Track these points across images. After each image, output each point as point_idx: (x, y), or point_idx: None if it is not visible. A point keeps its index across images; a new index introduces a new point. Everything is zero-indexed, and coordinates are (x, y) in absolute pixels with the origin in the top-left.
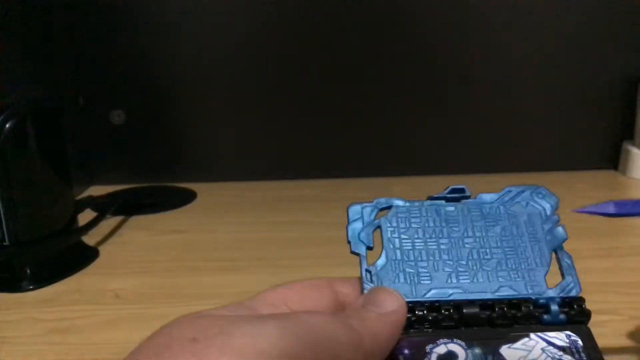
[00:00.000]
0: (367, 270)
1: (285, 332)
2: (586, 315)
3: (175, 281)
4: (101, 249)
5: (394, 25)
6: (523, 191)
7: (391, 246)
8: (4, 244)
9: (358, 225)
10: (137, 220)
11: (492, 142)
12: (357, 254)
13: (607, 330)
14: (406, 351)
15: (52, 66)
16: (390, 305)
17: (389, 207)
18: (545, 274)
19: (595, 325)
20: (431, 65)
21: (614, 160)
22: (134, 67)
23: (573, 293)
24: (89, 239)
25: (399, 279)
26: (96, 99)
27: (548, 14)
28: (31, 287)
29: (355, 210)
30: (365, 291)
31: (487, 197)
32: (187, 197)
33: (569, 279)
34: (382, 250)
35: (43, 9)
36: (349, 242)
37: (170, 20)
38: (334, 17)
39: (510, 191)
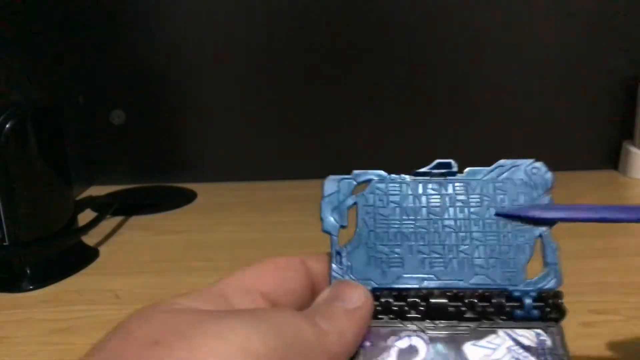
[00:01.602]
0: (338, 252)
1: (253, 333)
2: (561, 312)
3: (175, 281)
4: (101, 249)
5: (394, 27)
6: (517, 165)
7: (365, 227)
8: (4, 244)
9: (333, 200)
10: (137, 220)
11: (492, 142)
12: (329, 233)
13: (607, 330)
14: (367, 343)
15: (52, 66)
16: (357, 300)
17: (369, 181)
18: (527, 262)
19: (595, 325)
20: (432, 66)
21: (614, 160)
22: (134, 67)
23: (552, 285)
24: (89, 239)
25: (369, 263)
26: (96, 99)
27: (548, 14)
28: (31, 287)
29: (331, 183)
30: (333, 279)
31: (477, 171)
32: (187, 197)
33: (549, 269)
34: (355, 230)
35: (43, 10)
36: (322, 219)
37: (170, 20)
38: (334, 19)
39: (502, 166)
